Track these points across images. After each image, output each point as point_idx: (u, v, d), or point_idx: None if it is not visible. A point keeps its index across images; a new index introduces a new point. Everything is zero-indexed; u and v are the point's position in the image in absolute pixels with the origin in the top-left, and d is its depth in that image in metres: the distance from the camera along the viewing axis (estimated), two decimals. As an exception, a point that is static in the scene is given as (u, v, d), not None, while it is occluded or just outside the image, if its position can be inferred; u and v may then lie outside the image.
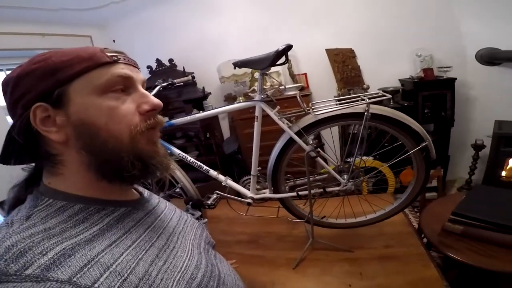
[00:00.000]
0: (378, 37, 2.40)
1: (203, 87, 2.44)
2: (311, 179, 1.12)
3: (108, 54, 0.43)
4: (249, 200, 1.20)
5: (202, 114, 1.17)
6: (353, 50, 2.50)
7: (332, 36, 2.44)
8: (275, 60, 0.95)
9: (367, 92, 2.34)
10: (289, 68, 2.45)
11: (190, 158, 1.26)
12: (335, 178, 1.06)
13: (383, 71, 2.48)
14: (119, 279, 0.36)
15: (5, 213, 0.45)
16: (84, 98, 0.40)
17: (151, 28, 2.76)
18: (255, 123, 1.10)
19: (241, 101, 2.36)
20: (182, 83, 1.46)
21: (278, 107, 1.06)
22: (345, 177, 1.05)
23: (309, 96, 2.38)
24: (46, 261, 0.32)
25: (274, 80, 2.45)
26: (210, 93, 2.50)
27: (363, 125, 0.94)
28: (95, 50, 0.43)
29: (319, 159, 1.03)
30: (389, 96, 0.96)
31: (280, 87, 1.16)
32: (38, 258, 0.32)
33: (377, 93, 0.99)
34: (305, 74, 2.57)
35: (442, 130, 2.25)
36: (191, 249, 0.54)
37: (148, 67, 2.58)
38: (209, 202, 1.15)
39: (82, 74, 0.41)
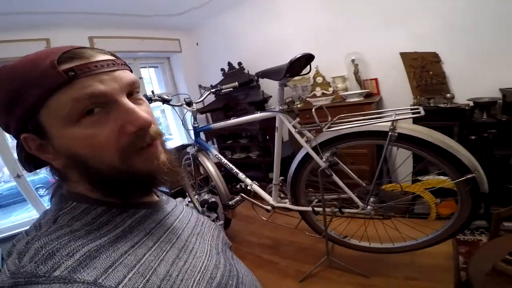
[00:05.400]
0: (473, 36, 1.94)
1: (262, 91, 2.54)
2: (333, 196, 1.07)
3: (64, 68, 0.35)
4: (269, 207, 1.23)
5: (228, 122, 1.27)
6: (437, 54, 2.11)
7: (411, 39, 2.12)
8: (289, 70, 0.94)
9: (452, 102, 1.99)
10: (355, 73, 2.28)
11: (224, 160, 1.38)
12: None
13: (479, 78, 2.00)
14: (142, 280, 0.36)
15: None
16: (59, 130, 0.37)
17: (225, 32, 3.03)
18: (276, 133, 1.11)
19: (299, 106, 2.35)
20: (230, 89, 1.56)
21: (298, 118, 1.04)
22: (370, 200, 0.96)
23: (374, 104, 2.14)
24: (73, 262, 0.32)
25: (338, 86, 2.34)
26: (270, 96, 2.58)
27: (385, 146, 0.84)
28: (46, 67, 0.35)
29: (335, 177, 0.97)
30: (421, 113, 0.80)
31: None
32: (66, 260, 0.32)
33: (415, 108, 0.85)
34: (376, 79, 2.33)
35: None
36: (210, 250, 0.54)
37: (222, 69, 2.86)
38: (230, 202, 1.24)
39: (40, 105, 0.35)
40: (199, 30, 3.24)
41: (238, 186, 2.74)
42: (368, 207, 0.94)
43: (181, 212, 0.59)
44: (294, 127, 1.05)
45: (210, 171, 1.41)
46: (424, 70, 2.11)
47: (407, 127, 0.83)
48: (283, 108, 1.07)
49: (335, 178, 0.97)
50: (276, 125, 1.10)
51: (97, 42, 2.46)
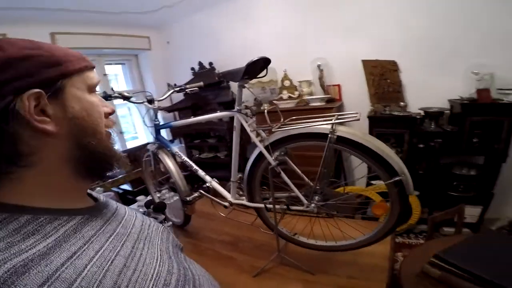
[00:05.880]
0: (427, 49, 2.11)
1: (232, 92, 2.58)
2: (284, 195, 1.13)
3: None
4: (226, 204, 1.26)
5: (188, 120, 1.30)
6: (395, 63, 2.27)
7: (373, 47, 2.25)
8: (246, 72, 0.99)
9: (405, 110, 2.16)
10: (320, 78, 2.39)
11: (184, 157, 1.39)
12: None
13: (430, 89, 2.18)
14: None
15: None
16: (80, 93, 0.43)
17: (197, 32, 3.03)
18: (234, 132, 1.15)
19: (266, 108, 2.42)
20: (195, 88, 1.57)
21: (254, 119, 1.09)
22: (315, 199, 1.03)
23: (335, 109, 2.26)
24: None
25: (303, 90, 2.44)
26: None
27: (326, 148, 0.91)
28: (81, 54, 0.47)
29: (283, 175, 1.03)
30: (358, 118, 0.88)
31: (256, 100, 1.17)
32: None
33: (354, 114, 0.92)
34: (339, 85, 2.47)
35: (491, 164, 1.89)
36: (160, 255, 0.51)
37: (192, 69, 2.85)
38: (188, 198, 1.26)
39: (82, 71, 0.44)
40: (171, 28, 3.21)
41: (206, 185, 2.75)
42: (312, 205, 1.01)
43: (123, 216, 0.55)
44: (250, 126, 1.09)
45: (169, 167, 1.42)
46: (383, 78, 2.27)
47: (345, 131, 0.90)
48: (241, 108, 1.11)
49: (284, 176, 1.03)
50: (235, 124, 1.14)
51: (59, 38, 2.35)
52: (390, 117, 2.15)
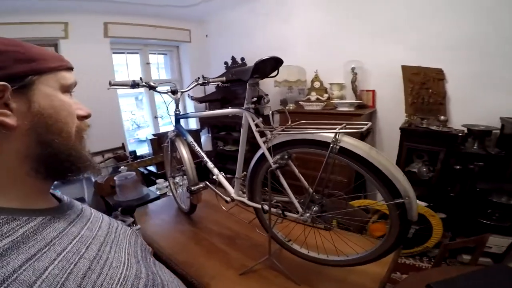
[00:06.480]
0: (481, 57, 1.86)
1: (258, 89, 2.57)
2: (285, 199, 1.10)
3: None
4: (228, 198, 1.28)
5: (202, 113, 1.35)
6: (442, 71, 2.04)
7: (415, 52, 2.06)
8: (255, 71, 0.97)
9: (445, 125, 1.95)
10: (353, 82, 2.26)
11: (197, 148, 1.44)
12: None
13: (479, 104, 1.94)
14: None
15: None
16: (51, 90, 0.44)
17: (233, 27, 3.10)
18: (242, 129, 1.15)
19: (291, 108, 2.37)
20: (219, 82, 1.60)
21: (261, 118, 1.08)
22: (311, 209, 0.99)
23: (364, 116, 2.12)
24: None
25: (334, 93, 2.34)
26: (267, 94, 2.60)
27: (326, 157, 0.86)
28: (60, 55, 0.49)
29: (282, 179, 1.00)
30: (363, 129, 0.82)
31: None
32: None
33: (365, 124, 0.86)
34: (373, 91, 2.31)
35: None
36: (128, 258, 0.50)
37: (225, 63, 2.91)
38: (193, 188, 1.30)
39: (56, 70, 0.45)
40: (210, 22, 3.32)
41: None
42: (306, 214, 0.97)
43: (89, 218, 0.54)
44: (257, 126, 1.08)
45: (183, 155, 1.47)
46: (424, 87, 2.07)
47: (349, 142, 0.84)
48: (249, 107, 1.11)
49: (282, 180, 1.00)
50: (243, 122, 1.14)
51: (111, 28, 2.59)
52: (426, 132, 1.96)
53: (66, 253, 0.40)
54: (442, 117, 1.97)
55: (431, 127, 1.97)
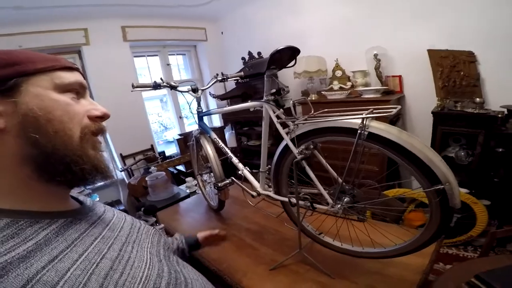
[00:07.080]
0: None
1: (278, 82, 2.53)
2: (314, 191, 1.08)
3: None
4: (254, 193, 1.27)
5: (224, 109, 1.34)
6: (472, 53, 1.90)
7: (441, 35, 1.94)
8: (271, 62, 0.95)
9: (482, 107, 1.80)
10: (377, 68, 2.16)
11: (221, 144, 1.45)
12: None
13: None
14: None
15: None
16: (42, 91, 0.42)
17: (248, 23, 3.08)
18: (263, 122, 1.14)
19: (313, 98, 2.31)
20: (238, 78, 1.60)
21: (282, 110, 1.06)
22: (342, 200, 0.95)
23: (392, 101, 2.01)
24: None
25: (357, 81, 2.24)
26: (287, 86, 2.56)
27: (354, 145, 0.82)
28: (60, 57, 0.48)
29: (308, 170, 0.97)
30: (391, 113, 0.76)
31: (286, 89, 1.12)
32: None
33: (394, 108, 0.81)
34: (400, 76, 2.19)
35: None
36: (150, 258, 0.51)
37: (242, 58, 2.91)
38: (219, 184, 1.31)
39: (46, 71, 0.43)
40: (224, 19, 3.33)
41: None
42: (337, 205, 0.93)
43: (111, 219, 0.55)
44: (278, 117, 1.06)
45: (208, 152, 1.49)
46: (455, 70, 1.93)
47: (378, 127, 0.79)
48: (269, 99, 1.09)
49: (309, 171, 0.98)
50: (263, 115, 1.13)
51: (129, 31, 2.67)
52: (461, 114, 1.82)
53: (88, 253, 0.41)
54: (478, 99, 1.82)
55: (467, 110, 1.83)
